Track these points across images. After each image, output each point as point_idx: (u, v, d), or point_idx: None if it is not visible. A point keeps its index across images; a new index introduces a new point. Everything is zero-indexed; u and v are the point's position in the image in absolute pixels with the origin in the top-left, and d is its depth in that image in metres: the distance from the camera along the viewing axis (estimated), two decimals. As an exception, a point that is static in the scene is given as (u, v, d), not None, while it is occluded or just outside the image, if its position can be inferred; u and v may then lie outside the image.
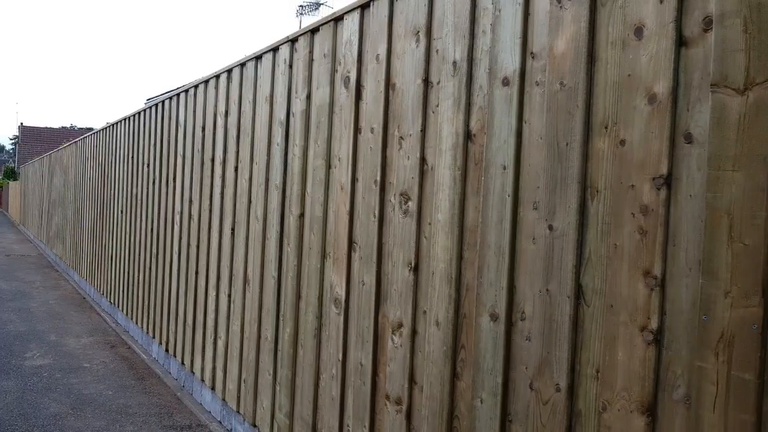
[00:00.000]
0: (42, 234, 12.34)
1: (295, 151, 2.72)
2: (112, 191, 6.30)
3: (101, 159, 6.88)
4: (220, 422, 3.49)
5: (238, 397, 3.19)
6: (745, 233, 1.15)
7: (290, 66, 2.79)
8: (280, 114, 2.87)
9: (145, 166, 5.12)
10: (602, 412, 1.38)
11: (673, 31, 1.27)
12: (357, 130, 2.29)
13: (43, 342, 5.11)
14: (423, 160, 1.94)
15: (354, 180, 2.29)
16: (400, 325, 2.00)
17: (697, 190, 1.23)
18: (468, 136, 1.78)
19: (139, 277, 5.21)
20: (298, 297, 2.66)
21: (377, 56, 2.18)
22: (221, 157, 3.53)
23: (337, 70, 2.43)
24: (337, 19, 2.43)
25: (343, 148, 2.37)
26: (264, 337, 2.94)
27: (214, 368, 3.52)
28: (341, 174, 2.37)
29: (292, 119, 2.77)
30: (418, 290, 1.94)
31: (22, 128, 47.37)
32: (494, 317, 1.65)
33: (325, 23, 2.51)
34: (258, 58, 3.11)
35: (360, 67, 2.28)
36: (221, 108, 3.56)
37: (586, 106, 1.43)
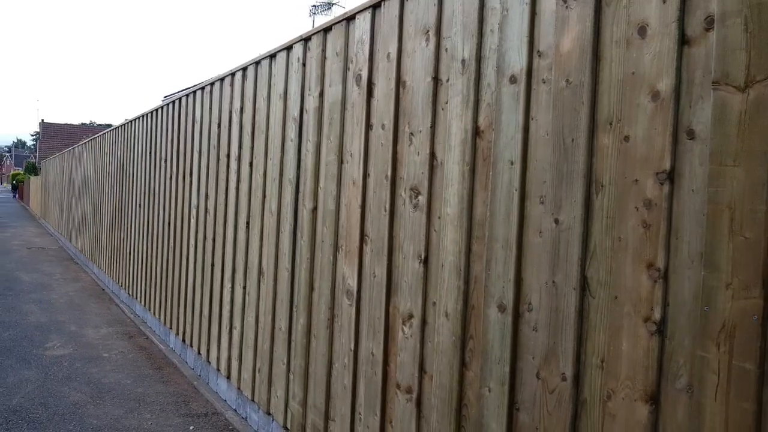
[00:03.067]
0: (62, 227, 12.60)
1: (309, 147, 2.78)
2: (130, 186, 6.43)
3: (120, 154, 7.01)
4: (236, 410, 3.58)
5: (253, 386, 3.27)
6: (746, 227, 1.17)
7: (303, 64, 2.84)
8: (293, 111, 2.93)
9: (163, 161, 5.22)
10: (607, 400, 1.41)
11: (676, 30, 1.30)
12: (368, 126, 2.34)
13: (63, 332, 5.24)
14: (433, 155, 1.99)
15: (366, 175, 2.34)
16: (411, 316, 2.06)
17: (699, 184, 1.26)
18: (476, 132, 1.82)
19: (156, 269, 5.33)
20: (311, 289, 2.72)
21: (388, 55, 2.22)
22: (236, 153, 3.60)
23: (349, 68, 2.49)
24: (349, 18, 2.48)
25: (355, 144, 2.42)
26: (278, 328, 3.02)
27: (229, 358, 3.61)
28: (353, 169, 2.42)
29: (305, 116, 2.83)
30: (428, 282, 1.99)
31: (43, 125, 48.13)
32: (502, 308, 1.70)
33: (338, 22, 2.56)
34: (272, 56, 3.18)
35: (371, 66, 2.33)
36: (236, 105, 3.63)
37: (591, 103, 1.47)
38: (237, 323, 3.51)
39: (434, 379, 1.93)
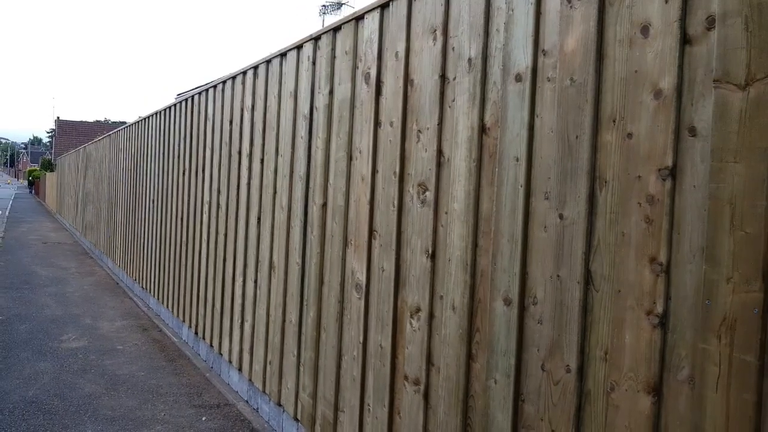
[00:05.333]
0: (77, 222, 12.78)
1: (318, 143, 2.82)
2: (144, 182, 6.53)
3: (134, 151, 7.11)
4: (247, 402, 3.65)
5: (264, 378, 3.33)
6: (746, 222, 1.20)
7: (313, 63, 2.89)
8: (303, 108, 2.98)
9: (176, 158, 5.30)
10: (610, 392, 1.44)
11: (678, 29, 1.32)
12: (377, 123, 2.38)
13: (79, 325, 5.34)
14: (440, 152, 2.03)
15: (374, 171, 2.38)
16: (418, 310, 2.10)
17: (700, 180, 1.28)
18: (482, 129, 1.85)
19: (169, 263, 5.42)
20: (321, 282, 2.77)
21: (396, 53, 2.26)
22: (248, 149, 3.66)
23: (358, 67, 2.53)
24: (358, 18, 2.51)
25: (363, 141, 2.46)
26: (288, 321, 3.07)
27: (241, 350, 3.68)
28: (362, 165, 2.47)
29: (315, 113, 2.87)
30: (435, 276, 2.03)
31: (58, 122, 48.72)
32: (507, 302, 1.73)
33: (347, 22, 2.60)
34: (283, 55, 3.22)
35: (380, 64, 2.37)
36: (248, 103, 3.69)
37: (594, 101, 1.50)
38: (248, 316, 3.57)
39: (441, 371, 1.97)
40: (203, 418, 3.40)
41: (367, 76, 2.45)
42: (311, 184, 2.89)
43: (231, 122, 3.97)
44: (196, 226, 4.65)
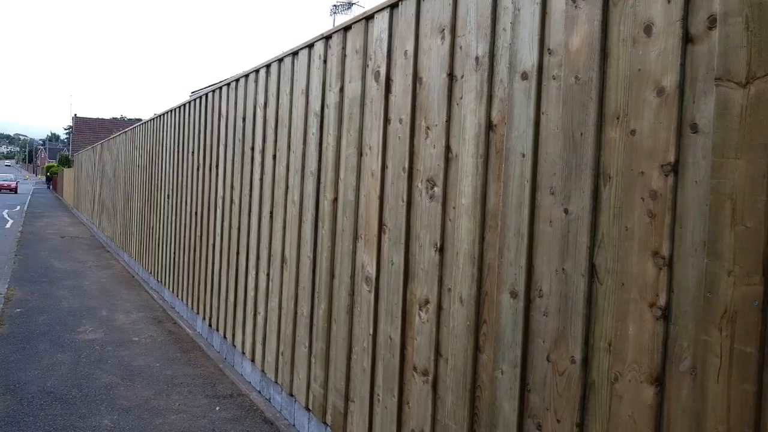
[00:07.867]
0: (94, 217, 12.99)
1: (329, 140, 2.87)
2: (159, 177, 6.63)
3: (149, 147, 7.23)
4: (260, 392, 3.72)
5: (276, 369, 3.40)
6: (747, 216, 1.22)
7: (324, 61, 2.93)
8: (315, 106, 3.03)
9: (190, 154, 5.39)
10: (614, 382, 1.47)
11: (680, 28, 1.35)
12: (386, 120, 2.43)
13: (95, 317, 5.45)
14: (448, 148, 2.07)
15: (384, 167, 2.43)
16: (427, 302, 2.15)
17: (702, 176, 1.30)
18: (489, 126, 1.89)
19: (184, 257, 5.51)
20: (332, 276, 2.83)
21: (405, 52, 2.30)
22: (260, 145, 3.73)
23: (368, 65, 2.57)
24: (368, 17, 2.56)
25: (373, 138, 2.51)
26: (300, 313, 3.14)
27: (254, 342, 3.75)
28: (372, 161, 2.51)
29: (326, 111, 2.92)
30: (443, 269, 2.07)
31: (76, 119, 49.44)
32: (514, 294, 1.77)
33: (357, 21, 2.64)
34: (294, 54, 3.27)
35: (389, 63, 2.41)
36: (260, 100, 3.75)
37: (599, 98, 1.53)
38: (261, 309, 3.65)
39: (449, 362, 2.02)
40: (217, 408, 3.48)
41: (376, 74, 2.50)
42: (322, 180, 2.94)
43: (244, 119, 4.03)
44: (209, 221, 4.73)
